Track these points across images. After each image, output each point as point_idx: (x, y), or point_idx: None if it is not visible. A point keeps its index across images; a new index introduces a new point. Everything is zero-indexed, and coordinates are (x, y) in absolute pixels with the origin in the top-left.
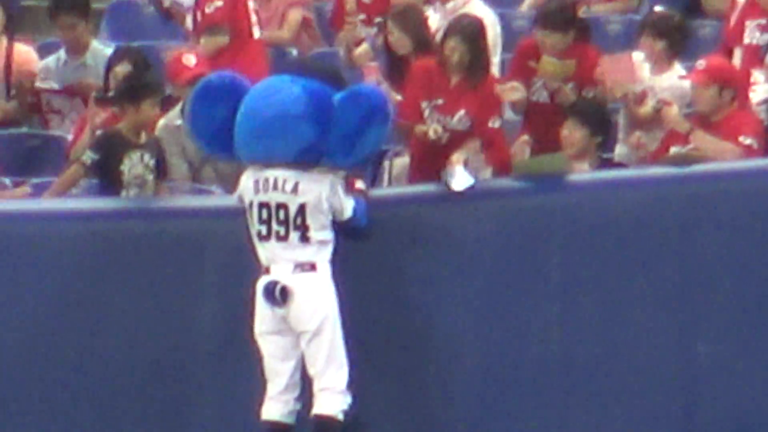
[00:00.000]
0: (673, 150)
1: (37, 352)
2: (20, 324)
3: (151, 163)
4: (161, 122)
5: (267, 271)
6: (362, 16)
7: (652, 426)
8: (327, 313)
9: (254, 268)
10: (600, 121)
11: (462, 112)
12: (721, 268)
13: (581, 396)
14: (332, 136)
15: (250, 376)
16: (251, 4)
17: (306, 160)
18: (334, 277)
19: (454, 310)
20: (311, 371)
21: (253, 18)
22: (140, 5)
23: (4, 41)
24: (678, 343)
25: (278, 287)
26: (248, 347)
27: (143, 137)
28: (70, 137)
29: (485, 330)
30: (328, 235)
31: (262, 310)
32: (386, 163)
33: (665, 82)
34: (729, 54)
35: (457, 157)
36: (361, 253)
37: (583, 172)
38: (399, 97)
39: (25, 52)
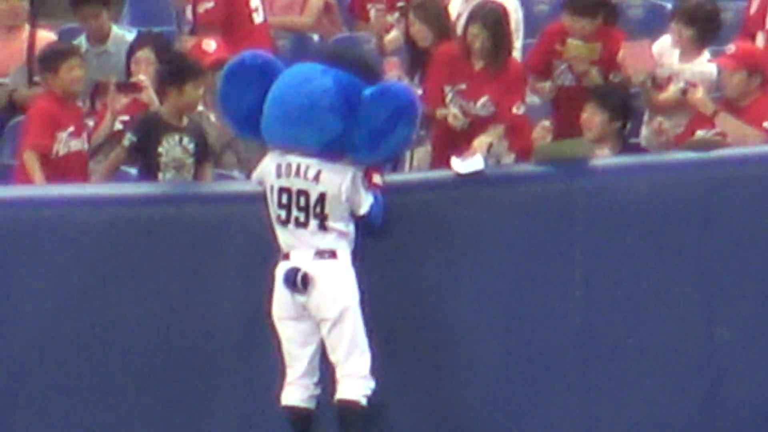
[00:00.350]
0: (699, 134)
1: (58, 338)
2: (40, 311)
3: (191, 146)
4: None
5: (286, 256)
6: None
7: (675, 411)
8: (347, 301)
9: (274, 253)
10: (621, 106)
11: (485, 97)
12: (743, 253)
13: (603, 382)
14: (358, 132)
15: (272, 361)
16: None
17: (330, 152)
18: (354, 264)
19: (476, 296)
20: (333, 358)
21: (253, 4)
22: None
23: (27, 28)
24: (700, 328)
25: (299, 274)
26: (269, 332)
27: (185, 121)
28: (91, 123)
29: (507, 315)
30: (348, 226)
31: (281, 295)
32: (407, 153)
33: (693, 69)
34: (751, 39)
35: (479, 142)
36: (382, 240)
37: (604, 157)
38: (420, 91)
39: (47, 39)
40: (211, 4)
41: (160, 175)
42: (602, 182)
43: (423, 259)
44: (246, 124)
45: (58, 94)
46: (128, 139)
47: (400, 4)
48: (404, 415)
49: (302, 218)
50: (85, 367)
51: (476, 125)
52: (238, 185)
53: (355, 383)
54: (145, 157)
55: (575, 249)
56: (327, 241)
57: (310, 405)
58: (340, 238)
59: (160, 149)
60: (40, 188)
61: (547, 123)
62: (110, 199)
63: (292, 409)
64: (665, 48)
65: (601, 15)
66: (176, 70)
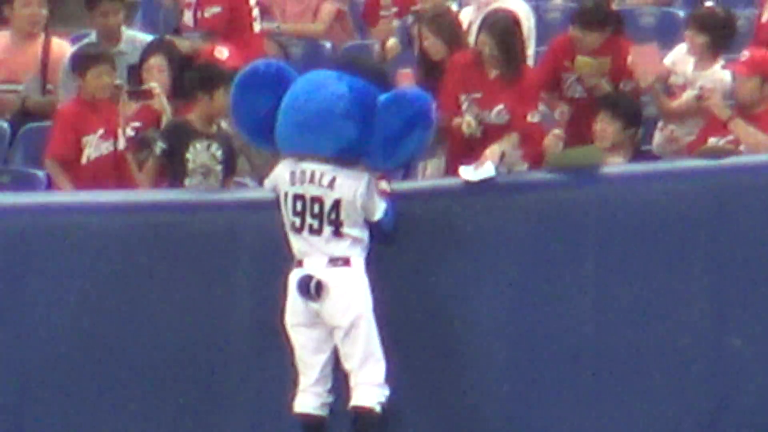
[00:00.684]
0: (711, 141)
1: (71, 344)
2: (53, 317)
3: (219, 153)
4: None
5: (300, 264)
6: (395, 9)
7: (686, 419)
8: (361, 309)
9: (287, 260)
10: (633, 114)
11: (500, 106)
12: (755, 261)
13: (614, 389)
14: (373, 138)
15: (284, 369)
16: (252, 1)
17: (345, 158)
18: (367, 271)
19: (488, 303)
20: (347, 366)
21: (255, 13)
22: None
23: (42, 35)
24: (712, 336)
25: (313, 282)
26: (282, 339)
27: (214, 128)
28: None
29: (519, 323)
30: (362, 232)
31: (294, 302)
32: (420, 164)
33: (707, 78)
34: (765, 47)
35: (491, 151)
36: (394, 247)
37: (616, 165)
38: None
39: (61, 46)
40: (218, 9)
41: (187, 181)
42: (614, 190)
43: (436, 267)
44: (259, 132)
45: (85, 97)
46: (159, 146)
47: (414, 7)
48: (418, 422)
49: (316, 225)
50: (98, 372)
51: (491, 134)
52: (251, 192)
53: (370, 390)
54: (173, 163)
55: (587, 257)
56: (341, 248)
57: (323, 412)
58: (354, 245)
59: (187, 155)
60: (52, 195)
61: (558, 131)
62: (123, 206)
63: (304, 417)
64: (680, 56)
65: (609, 27)
66: (207, 77)
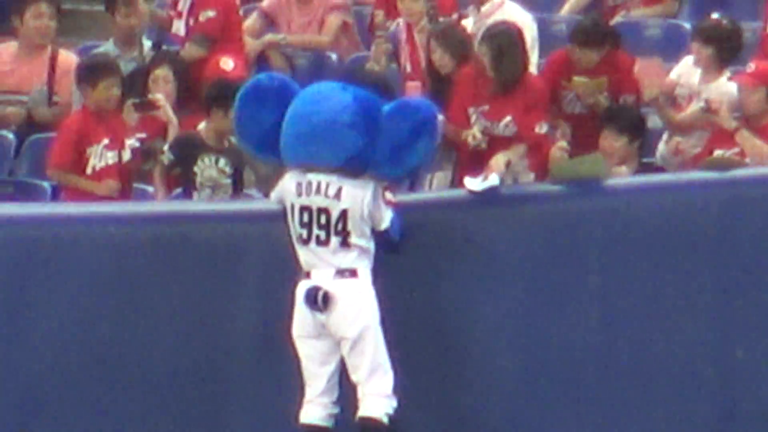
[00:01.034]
0: (717, 153)
1: (75, 355)
2: (58, 328)
3: (227, 168)
4: (200, 126)
5: (307, 275)
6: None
7: (691, 429)
8: (368, 320)
9: (293, 272)
10: (636, 126)
11: (508, 118)
12: (759, 273)
13: (619, 400)
14: (380, 147)
15: (290, 380)
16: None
17: (351, 168)
18: (374, 283)
19: (494, 314)
20: (354, 378)
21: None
22: None
23: (49, 47)
24: (716, 347)
25: (320, 293)
26: (287, 351)
27: (226, 143)
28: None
29: (524, 335)
30: (369, 243)
31: (300, 313)
32: (427, 177)
33: (713, 90)
34: None
35: (495, 160)
36: (400, 258)
37: (622, 176)
38: (441, 117)
39: (68, 58)
40: (212, 13)
41: (195, 195)
42: (619, 201)
43: (442, 278)
44: (263, 145)
45: (91, 108)
46: (166, 157)
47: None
48: None
49: (323, 236)
50: (102, 383)
51: (500, 146)
52: (257, 204)
53: (378, 402)
54: (181, 176)
55: (592, 268)
56: (348, 259)
57: (329, 424)
58: (361, 256)
59: (195, 168)
60: (57, 206)
61: (563, 143)
62: (128, 217)
63: (310, 428)
64: (686, 68)
65: (607, 45)
66: (224, 93)
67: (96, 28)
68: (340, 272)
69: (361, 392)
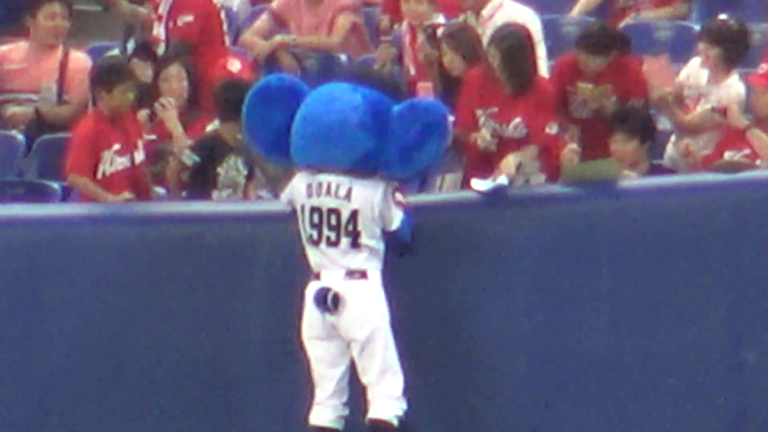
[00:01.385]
0: (728, 155)
1: (85, 356)
2: (69, 329)
3: (244, 168)
4: (209, 127)
5: (317, 276)
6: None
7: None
8: (378, 322)
9: (303, 272)
10: (647, 128)
11: (518, 119)
12: None
13: (630, 402)
14: (390, 147)
15: (299, 381)
16: (223, 15)
17: (362, 168)
18: (384, 283)
19: (504, 315)
20: (364, 380)
21: (225, 27)
22: None
23: (61, 47)
24: (727, 350)
25: (330, 294)
26: (297, 352)
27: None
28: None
29: (534, 336)
30: (379, 243)
31: (310, 315)
32: (438, 179)
33: (722, 91)
34: None
35: (505, 162)
36: (410, 259)
37: (632, 178)
38: (452, 119)
39: (80, 59)
40: (190, 18)
41: (215, 194)
42: (629, 203)
43: (453, 280)
44: (273, 146)
45: (105, 112)
46: (189, 157)
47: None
48: None
49: (333, 237)
50: (113, 384)
51: (510, 147)
52: (266, 205)
53: (388, 403)
54: (203, 176)
55: (602, 269)
56: (358, 260)
57: (338, 425)
58: (371, 257)
59: (219, 169)
60: (69, 207)
61: (574, 145)
62: (139, 217)
63: (320, 429)
64: (694, 69)
65: (615, 50)
66: (239, 96)
67: (97, 29)
68: (350, 273)
69: (371, 394)
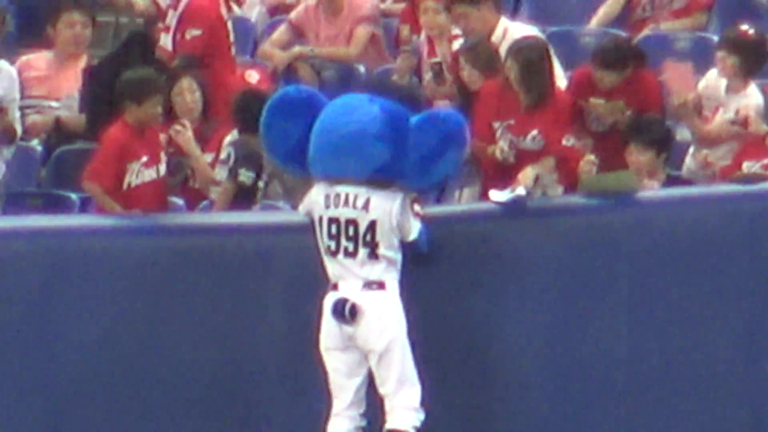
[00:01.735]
0: (746, 166)
1: (102, 366)
2: (87, 339)
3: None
4: (228, 138)
5: (335, 287)
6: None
7: None
8: (395, 332)
9: (321, 283)
10: (663, 140)
11: (535, 131)
12: None
13: (649, 412)
14: (408, 158)
15: (317, 392)
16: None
17: (380, 179)
18: (402, 294)
19: (522, 326)
20: (382, 391)
21: (232, 38)
22: None
23: (85, 56)
24: (745, 359)
25: (348, 305)
26: (315, 363)
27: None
28: None
29: (553, 346)
30: (397, 254)
31: (328, 326)
32: (456, 192)
33: (741, 100)
34: None
35: (524, 174)
36: (428, 270)
37: (650, 190)
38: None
39: None
40: (198, 32)
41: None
42: (647, 214)
43: (470, 291)
44: (291, 157)
45: (133, 124)
46: (247, 176)
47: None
48: None
49: (351, 248)
50: (130, 394)
51: (527, 159)
52: (284, 216)
53: (406, 414)
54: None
55: (620, 281)
56: (376, 271)
57: None
58: (389, 268)
59: (259, 183)
60: (87, 218)
61: (593, 157)
62: (157, 228)
63: None
64: (712, 79)
65: (630, 66)
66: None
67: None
68: (368, 284)
69: (389, 405)
